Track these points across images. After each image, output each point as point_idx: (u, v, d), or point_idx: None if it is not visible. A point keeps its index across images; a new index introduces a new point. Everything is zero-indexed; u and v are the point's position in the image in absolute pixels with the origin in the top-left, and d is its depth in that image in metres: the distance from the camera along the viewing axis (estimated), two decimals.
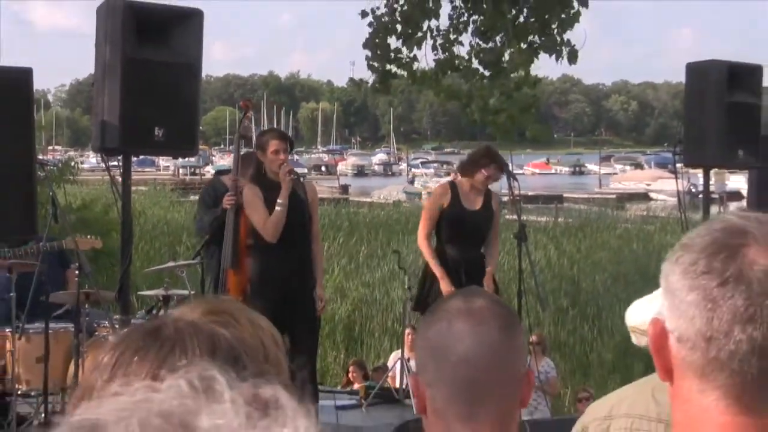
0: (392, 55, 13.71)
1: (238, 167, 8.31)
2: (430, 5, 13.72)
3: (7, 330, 7.84)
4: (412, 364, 9.31)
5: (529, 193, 43.10)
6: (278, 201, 7.57)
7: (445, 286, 8.13)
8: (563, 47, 13.32)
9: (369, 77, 14.43)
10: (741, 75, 7.86)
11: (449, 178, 11.11)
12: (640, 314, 2.95)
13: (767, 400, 1.37)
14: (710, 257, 1.37)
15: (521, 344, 2.11)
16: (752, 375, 1.36)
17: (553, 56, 13.39)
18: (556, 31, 13.34)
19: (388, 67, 13.80)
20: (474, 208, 8.56)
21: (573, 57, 13.28)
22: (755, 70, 8.04)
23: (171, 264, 9.17)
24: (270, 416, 0.79)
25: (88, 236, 9.08)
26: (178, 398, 0.77)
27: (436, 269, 8.34)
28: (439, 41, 13.73)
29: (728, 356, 1.35)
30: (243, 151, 8.70)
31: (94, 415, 0.76)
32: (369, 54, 13.74)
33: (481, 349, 2.01)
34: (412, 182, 65.35)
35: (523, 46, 13.27)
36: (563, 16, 13.30)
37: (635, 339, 3.04)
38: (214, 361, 1.60)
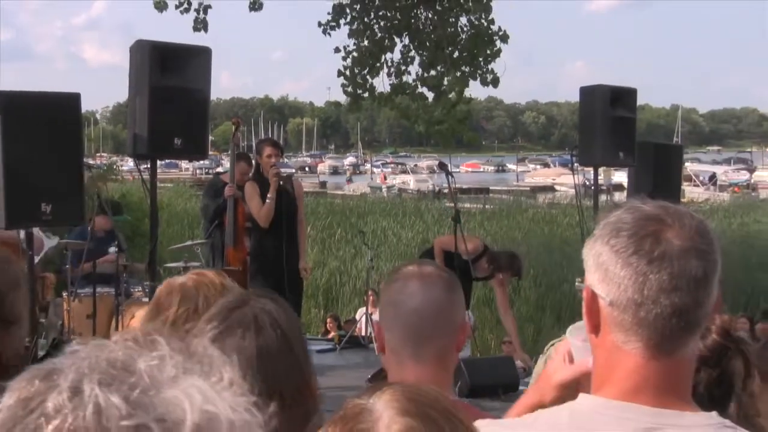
0: (359, 81, 13.71)
1: (233, 166, 8.48)
2: (386, 43, 13.73)
3: (65, 294, 7.95)
4: (374, 317, 9.33)
5: (463, 186, 43.09)
6: (268, 195, 7.56)
7: None
8: (488, 75, 13.36)
9: (343, 99, 14.61)
10: (621, 96, 7.88)
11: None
12: None
13: (675, 348, 1.42)
14: (639, 241, 1.40)
15: (460, 302, 2.12)
16: (669, 330, 1.40)
17: (480, 82, 13.46)
18: (483, 62, 13.37)
19: (357, 91, 13.80)
20: (477, 275, 8.60)
21: (495, 82, 13.31)
22: (631, 92, 8.05)
23: (189, 243, 9.17)
24: (201, 364, 0.77)
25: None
26: (123, 349, 0.76)
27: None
28: (393, 70, 13.76)
29: (654, 317, 1.39)
30: (237, 152, 8.89)
31: (54, 364, 0.75)
32: (344, 81, 13.74)
33: (428, 304, 2.03)
34: (350, 180, 64.49)
35: (458, 74, 13.31)
36: (488, 51, 13.34)
37: None
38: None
